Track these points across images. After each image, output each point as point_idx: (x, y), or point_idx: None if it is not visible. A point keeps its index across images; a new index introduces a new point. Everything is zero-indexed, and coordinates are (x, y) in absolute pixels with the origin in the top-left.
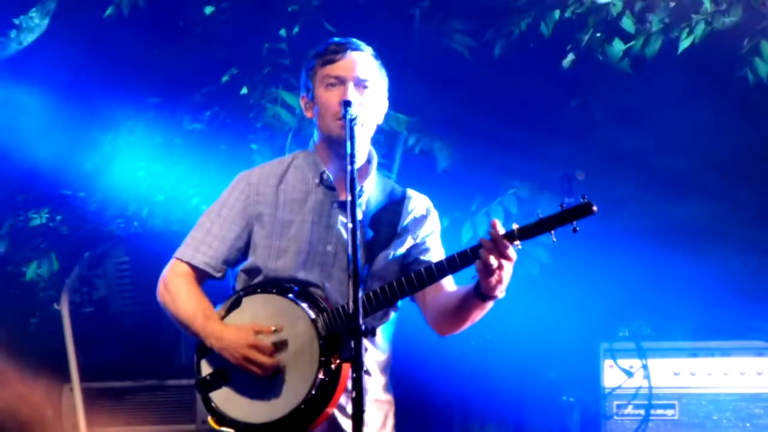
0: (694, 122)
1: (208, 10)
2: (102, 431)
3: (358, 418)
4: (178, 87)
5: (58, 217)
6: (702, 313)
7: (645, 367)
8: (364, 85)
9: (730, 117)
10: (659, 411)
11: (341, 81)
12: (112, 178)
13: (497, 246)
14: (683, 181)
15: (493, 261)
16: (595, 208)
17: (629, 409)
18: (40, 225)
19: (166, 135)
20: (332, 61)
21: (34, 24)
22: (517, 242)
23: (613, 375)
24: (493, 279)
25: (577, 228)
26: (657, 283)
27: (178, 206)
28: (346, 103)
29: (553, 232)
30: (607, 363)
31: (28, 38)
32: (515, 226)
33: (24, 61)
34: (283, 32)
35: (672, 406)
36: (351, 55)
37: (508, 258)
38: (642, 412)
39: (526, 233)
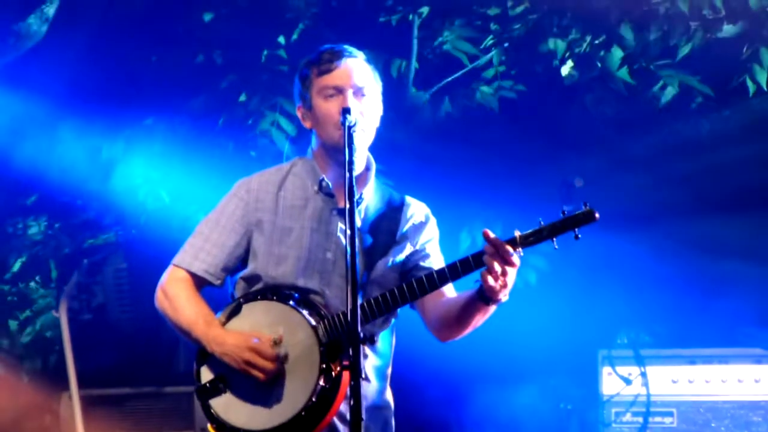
0: (695, 130)
1: (207, 17)
2: None
3: (356, 426)
4: (177, 94)
5: (57, 225)
6: (700, 321)
7: (643, 374)
8: (362, 93)
9: (730, 126)
10: (657, 418)
11: (339, 90)
12: (111, 186)
13: (500, 253)
14: (682, 189)
15: (497, 267)
16: (597, 215)
17: (628, 417)
18: (39, 232)
19: (165, 142)
20: (328, 71)
21: (33, 31)
22: (519, 249)
23: (611, 382)
24: (497, 285)
25: (579, 235)
26: (655, 290)
27: (177, 213)
28: (345, 110)
29: (554, 239)
30: (606, 370)
31: (27, 45)
32: (517, 234)
33: (22, 67)
34: (281, 39)
35: (670, 414)
36: (347, 63)
37: (512, 264)
38: (640, 419)
39: (527, 240)
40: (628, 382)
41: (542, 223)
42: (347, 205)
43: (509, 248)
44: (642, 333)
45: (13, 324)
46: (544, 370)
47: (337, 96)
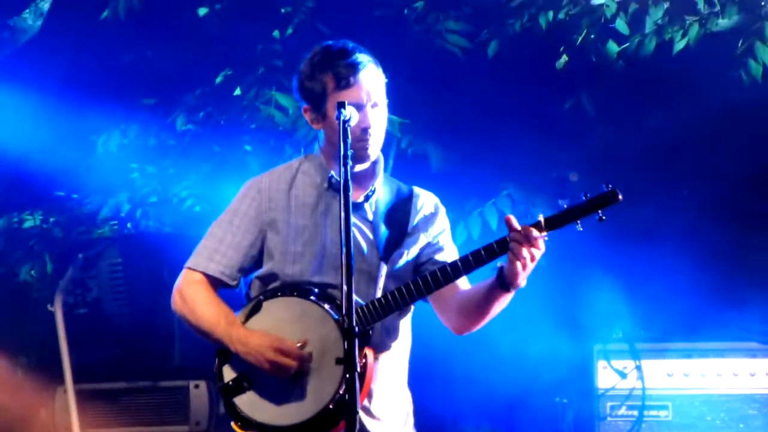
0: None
1: (202, 11)
2: None
3: (351, 420)
4: (172, 88)
5: (52, 219)
6: (695, 315)
7: (638, 368)
8: (376, 104)
9: (720, 119)
10: (653, 412)
11: (358, 107)
12: (106, 180)
13: (528, 238)
14: (676, 183)
15: (526, 253)
16: (620, 196)
17: (623, 410)
18: (34, 226)
19: (160, 136)
20: (347, 86)
21: (28, 25)
22: (544, 233)
23: (606, 376)
24: (521, 270)
25: (604, 217)
26: (650, 284)
27: (172, 208)
28: (340, 105)
29: (579, 221)
30: (601, 364)
31: (22, 39)
32: (541, 217)
33: (17, 62)
34: (276, 33)
35: (665, 407)
36: (363, 77)
37: (538, 248)
38: (635, 413)
39: (552, 224)
40: (623, 375)
41: (565, 206)
42: (341, 200)
43: (535, 232)
44: (637, 327)
45: (8, 318)
46: (540, 364)
47: (355, 112)
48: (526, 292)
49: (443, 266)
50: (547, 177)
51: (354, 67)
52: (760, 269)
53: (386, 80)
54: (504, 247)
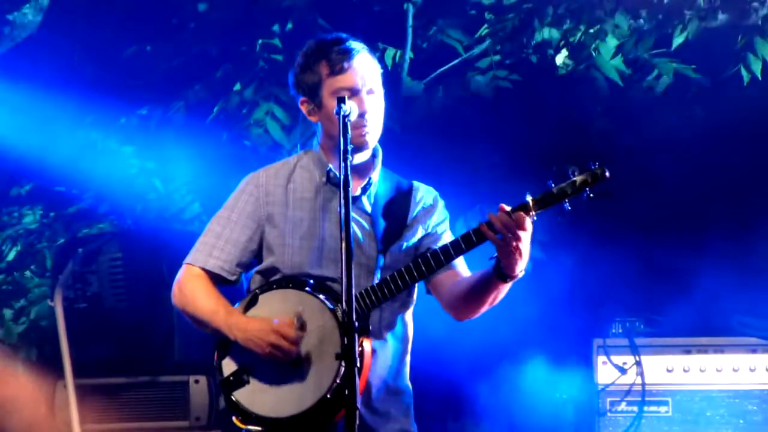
0: (688, 120)
1: (202, 6)
2: (95, 428)
3: (350, 416)
4: (172, 83)
5: (52, 214)
6: (695, 310)
7: (638, 363)
8: (372, 90)
9: (723, 114)
10: (652, 408)
11: (354, 92)
12: (105, 175)
13: (511, 219)
14: (676, 178)
15: (510, 237)
16: (607, 173)
17: (622, 406)
18: (34, 221)
19: (160, 131)
20: (342, 71)
21: (27, 20)
22: (533, 213)
23: (606, 371)
24: (513, 257)
25: (592, 195)
26: (650, 279)
27: (171, 202)
28: (340, 99)
29: (567, 200)
30: (601, 359)
31: (22, 35)
32: (529, 198)
33: (17, 57)
34: (276, 28)
35: (665, 403)
36: (358, 61)
37: (524, 229)
38: (635, 408)
39: (540, 204)
40: (623, 371)
41: (553, 185)
42: (341, 195)
43: (520, 213)
44: (637, 322)
45: (7, 313)
46: (539, 360)
47: (352, 97)
48: (525, 289)
49: (435, 250)
50: (547, 172)
51: (348, 53)
52: (761, 265)
53: (381, 70)
54: (481, 235)
